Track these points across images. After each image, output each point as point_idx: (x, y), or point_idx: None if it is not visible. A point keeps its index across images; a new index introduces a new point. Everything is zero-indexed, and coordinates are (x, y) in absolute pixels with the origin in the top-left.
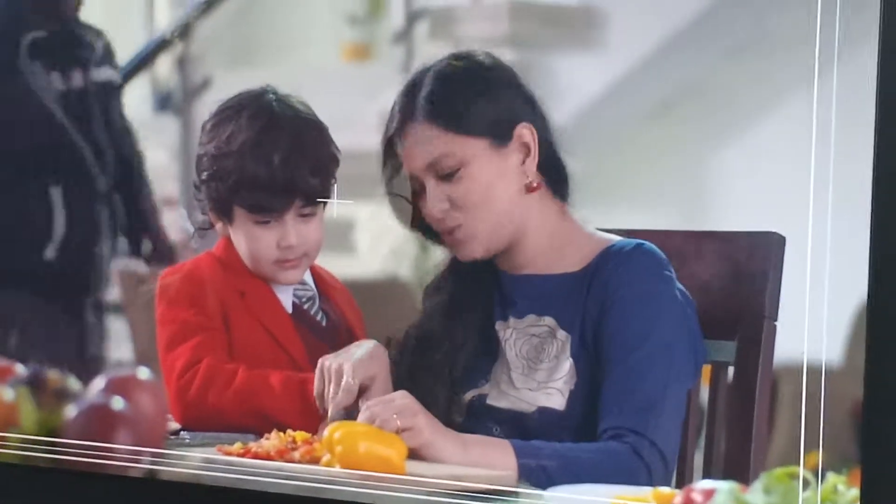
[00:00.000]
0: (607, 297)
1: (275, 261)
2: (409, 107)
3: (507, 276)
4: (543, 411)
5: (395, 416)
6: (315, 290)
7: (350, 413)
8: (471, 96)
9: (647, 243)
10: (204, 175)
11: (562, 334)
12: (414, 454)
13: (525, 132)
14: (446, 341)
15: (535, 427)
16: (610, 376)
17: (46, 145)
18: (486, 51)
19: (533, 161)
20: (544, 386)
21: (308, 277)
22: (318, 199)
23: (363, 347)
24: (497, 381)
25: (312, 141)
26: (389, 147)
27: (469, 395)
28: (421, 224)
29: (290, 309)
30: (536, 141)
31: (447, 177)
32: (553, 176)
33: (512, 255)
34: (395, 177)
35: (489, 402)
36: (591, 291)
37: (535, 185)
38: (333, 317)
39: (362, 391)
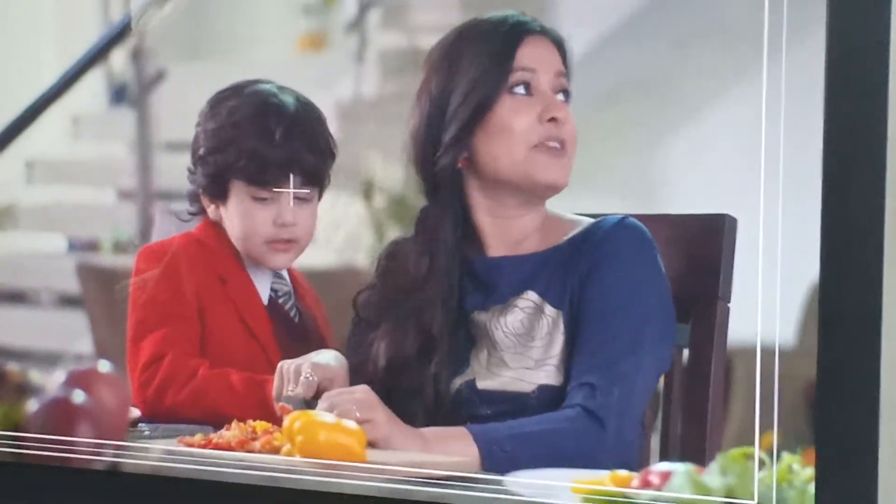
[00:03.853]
0: (590, 269)
1: (268, 240)
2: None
3: (481, 259)
4: (543, 389)
5: (353, 407)
6: (291, 286)
7: (308, 406)
8: None
9: (631, 217)
10: (202, 151)
11: (551, 310)
12: (373, 445)
13: None
14: (429, 360)
15: (534, 405)
16: (581, 346)
17: None
18: None
19: None
20: (542, 364)
21: (285, 272)
22: (314, 186)
23: (322, 352)
24: (483, 363)
25: (311, 122)
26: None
27: (456, 384)
28: None
29: (266, 301)
30: None
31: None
32: None
33: (487, 237)
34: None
35: (479, 386)
36: (576, 265)
37: None
38: (305, 315)
39: (320, 392)
